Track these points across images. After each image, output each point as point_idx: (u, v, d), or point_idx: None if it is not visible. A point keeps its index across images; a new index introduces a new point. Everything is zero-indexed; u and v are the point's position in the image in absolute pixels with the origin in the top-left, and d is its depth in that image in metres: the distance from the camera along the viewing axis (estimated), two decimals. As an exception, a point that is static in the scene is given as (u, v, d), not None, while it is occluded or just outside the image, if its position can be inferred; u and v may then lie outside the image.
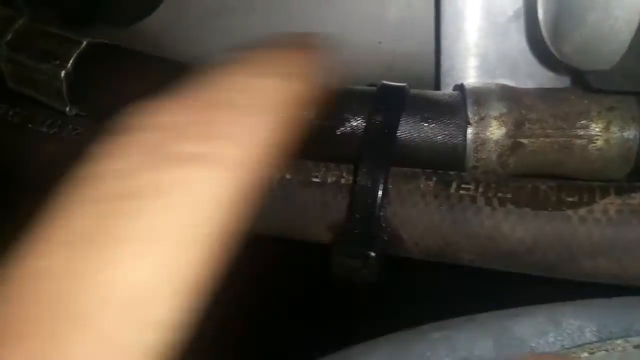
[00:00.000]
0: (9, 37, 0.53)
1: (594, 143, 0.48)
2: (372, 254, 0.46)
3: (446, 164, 0.49)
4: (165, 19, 0.66)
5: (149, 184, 0.22)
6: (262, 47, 0.30)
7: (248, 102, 0.26)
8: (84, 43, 0.51)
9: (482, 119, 0.48)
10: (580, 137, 0.48)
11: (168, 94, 0.25)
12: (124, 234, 0.21)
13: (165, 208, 0.21)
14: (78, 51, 0.51)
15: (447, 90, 0.57)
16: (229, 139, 0.24)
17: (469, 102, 0.49)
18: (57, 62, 0.51)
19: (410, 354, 0.49)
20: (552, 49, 0.43)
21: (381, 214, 0.47)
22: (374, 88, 0.51)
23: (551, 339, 0.48)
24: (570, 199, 0.44)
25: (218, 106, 0.25)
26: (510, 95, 0.49)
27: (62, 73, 0.50)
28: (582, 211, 0.43)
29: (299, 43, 0.31)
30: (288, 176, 0.50)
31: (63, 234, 0.21)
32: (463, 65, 0.56)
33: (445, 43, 0.57)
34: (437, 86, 0.58)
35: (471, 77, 0.56)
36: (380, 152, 0.48)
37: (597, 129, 0.48)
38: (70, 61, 0.51)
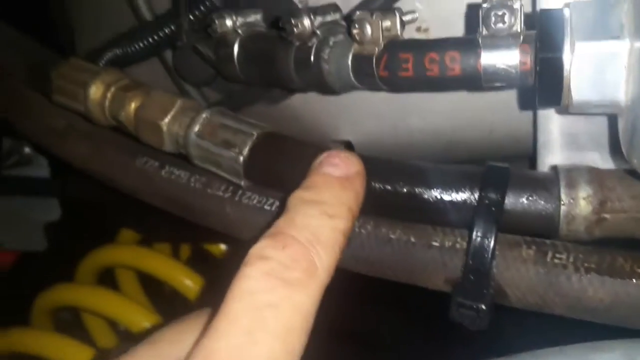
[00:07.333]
0: (196, 128, 0.68)
1: (665, 220, 0.59)
2: (483, 306, 0.59)
3: (542, 232, 0.62)
4: (307, 96, 0.80)
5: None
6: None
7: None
8: (255, 135, 0.66)
9: (572, 199, 0.59)
10: (653, 213, 0.59)
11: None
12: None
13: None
14: (252, 141, 0.65)
15: (543, 160, 0.68)
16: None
17: (562, 184, 0.60)
18: (236, 150, 0.65)
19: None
20: (625, 154, 0.54)
21: (490, 274, 0.60)
22: (482, 168, 0.63)
23: (626, 373, 0.59)
24: (640, 270, 0.56)
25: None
26: (595, 179, 0.60)
27: (241, 159, 0.65)
28: (650, 281, 0.55)
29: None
30: (412, 239, 0.64)
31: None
32: (556, 140, 0.67)
33: (541, 121, 0.68)
34: (534, 154, 0.69)
35: (564, 150, 0.67)
36: (489, 224, 0.59)
37: (668, 208, 0.58)
38: (246, 150, 0.65)
